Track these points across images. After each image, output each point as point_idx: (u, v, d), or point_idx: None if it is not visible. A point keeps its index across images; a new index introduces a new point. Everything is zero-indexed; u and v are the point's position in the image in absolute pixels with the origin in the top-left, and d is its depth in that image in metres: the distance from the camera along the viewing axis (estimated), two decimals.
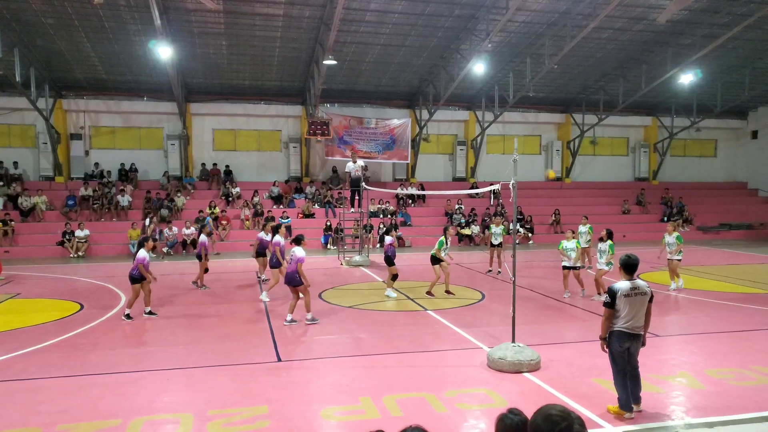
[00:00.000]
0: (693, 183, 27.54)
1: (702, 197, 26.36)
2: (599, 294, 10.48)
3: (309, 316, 9.05)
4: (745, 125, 28.10)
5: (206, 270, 12.14)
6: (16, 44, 17.15)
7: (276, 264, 10.91)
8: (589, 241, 14.78)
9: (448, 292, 11.24)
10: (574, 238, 11.25)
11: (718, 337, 8.31)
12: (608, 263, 10.43)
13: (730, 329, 8.73)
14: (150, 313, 9.59)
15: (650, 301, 5.37)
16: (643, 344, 5.44)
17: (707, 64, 20.63)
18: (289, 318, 9.00)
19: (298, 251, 8.81)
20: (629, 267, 5.34)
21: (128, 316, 9.31)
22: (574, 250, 11.00)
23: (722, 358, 7.20)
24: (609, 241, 10.54)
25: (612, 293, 5.26)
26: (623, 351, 5.30)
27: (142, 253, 9.36)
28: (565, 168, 26.43)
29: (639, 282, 5.34)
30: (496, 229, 14.22)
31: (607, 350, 5.41)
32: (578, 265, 11.31)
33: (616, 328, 5.28)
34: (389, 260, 11.25)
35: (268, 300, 10.72)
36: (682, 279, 12.05)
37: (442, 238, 11.25)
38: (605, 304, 5.33)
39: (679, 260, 11.88)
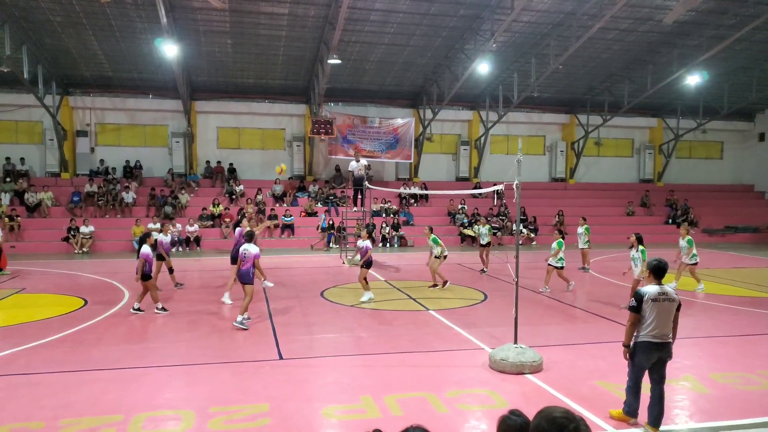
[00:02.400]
0: (698, 185, 27.38)
1: (708, 199, 26.20)
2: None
3: (239, 318, 8.54)
4: (752, 127, 27.92)
5: (171, 270, 11.77)
6: (24, 42, 17.24)
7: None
8: (587, 242, 14.74)
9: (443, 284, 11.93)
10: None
11: (723, 341, 8.26)
12: (643, 272, 9.56)
13: (736, 333, 8.67)
14: (138, 309, 9.52)
15: (678, 309, 5.06)
16: (670, 357, 5.10)
17: (714, 66, 20.50)
18: (239, 318, 8.59)
19: (252, 248, 8.64)
20: (659, 271, 5.04)
21: (163, 309, 9.52)
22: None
23: (727, 362, 7.15)
24: (641, 247, 9.73)
25: (639, 297, 4.97)
26: (647, 366, 5.00)
27: (146, 249, 9.43)
28: (569, 169, 26.35)
29: (667, 288, 5.06)
30: (483, 229, 14.44)
31: (629, 359, 5.11)
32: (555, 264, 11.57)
33: (642, 338, 4.96)
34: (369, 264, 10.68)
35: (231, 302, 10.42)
36: (676, 280, 11.91)
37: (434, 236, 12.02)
38: (631, 308, 5.02)
39: (694, 264, 11.75)
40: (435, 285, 11.99)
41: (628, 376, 5.20)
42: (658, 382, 5.05)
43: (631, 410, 5.20)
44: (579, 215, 22.97)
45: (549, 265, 11.68)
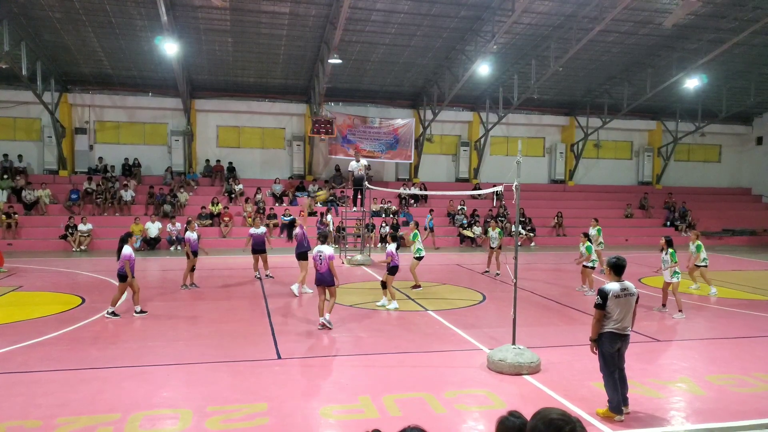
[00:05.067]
0: (697, 188, 27.45)
1: (705, 202, 26.27)
2: (679, 311, 9.69)
3: (327, 317, 8.57)
4: (750, 131, 27.99)
5: (193, 269, 11.81)
6: (23, 38, 17.20)
7: (302, 255, 11.24)
8: (601, 243, 14.61)
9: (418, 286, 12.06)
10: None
11: (720, 343, 8.29)
12: (673, 273, 9.66)
13: (732, 335, 8.71)
14: (141, 312, 9.36)
15: (636, 301, 5.47)
16: (626, 346, 5.49)
17: (713, 69, 20.56)
18: (327, 317, 8.58)
19: (327, 249, 8.45)
20: (618, 268, 5.45)
21: (113, 314, 9.12)
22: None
23: (723, 364, 7.18)
24: (671, 250, 9.76)
25: (603, 294, 5.31)
26: (614, 352, 5.37)
27: (128, 250, 9.09)
28: (569, 171, 26.39)
29: (627, 283, 5.44)
30: (494, 233, 14.44)
31: (596, 352, 5.44)
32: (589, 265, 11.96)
33: (607, 329, 5.35)
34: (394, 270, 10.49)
35: (303, 292, 11.17)
36: (697, 284, 12.38)
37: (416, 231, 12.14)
38: (596, 305, 5.36)
39: (704, 266, 11.95)
40: (417, 286, 11.99)
41: (601, 372, 5.45)
42: (620, 368, 5.46)
43: (614, 406, 5.36)
44: (578, 217, 23.09)
45: (584, 266, 12.05)
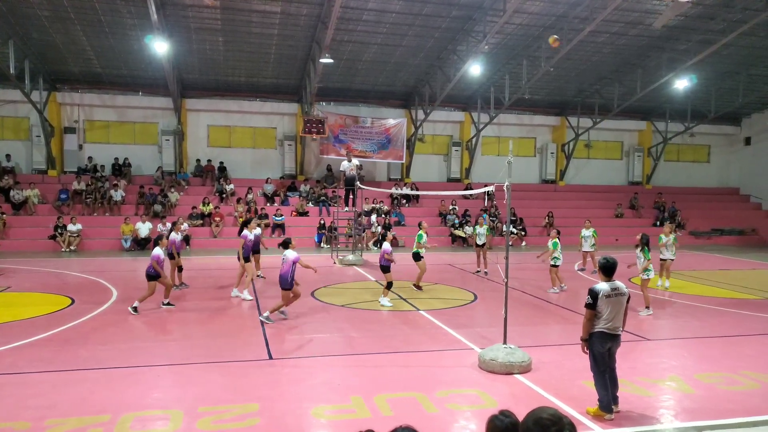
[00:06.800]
0: (686, 188, 27.72)
1: (695, 202, 26.54)
2: (646, 307, 9.86)
3: (266, 314, 8.94)
4: (738, 131, 28.32)
5: (180, 268, 11.81)
6: (11, 36, 16.99)
7: (246, 257, 11.04)
8: (594, 245, 14.62)
9: (417, 287, 11.81)
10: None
11: (709, 342, 8.38)
12: (645, 270, 9.80)
13: (721, 334, 8.80)
14: (168, 304, 9.87)
15: (627, 301, 5.48)
16: (618, 346, 5.52)
17: (702, 70, 20.77)
18: (266, 314, 8.94)
19: (290, 254, 8.86)
20: (608, 269, 5.47)
21: (135, 309, 9.45)
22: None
23: (712, 363, 7.26)
24: (646, 248, 9.82)
25: (594, 294, 5.34)
26: (604, 352, 5.39)
27: (158, 251, 9.67)
28: (560, 171, 26.54)
29: (618, 283, 5.46)
30: (480, 230, 14.33)
31: (587, 352, 5.46)
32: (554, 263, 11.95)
33: (598, 329, 5.36)
34: (386, 268, 10.62)
35: (241, 295, 10.82)
36: (668, 281, 12.51)
37: (421, 231, 11.92)
38: (587, 305, 5.38)
39: (672, 259, 12.35)
40: (419, 287, 11.95)
41: (592, 371, 5.47)
42: (611, 367, 5.49)
43: (604, 405, 5.39)
44: (568, 216, 23.22)
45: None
